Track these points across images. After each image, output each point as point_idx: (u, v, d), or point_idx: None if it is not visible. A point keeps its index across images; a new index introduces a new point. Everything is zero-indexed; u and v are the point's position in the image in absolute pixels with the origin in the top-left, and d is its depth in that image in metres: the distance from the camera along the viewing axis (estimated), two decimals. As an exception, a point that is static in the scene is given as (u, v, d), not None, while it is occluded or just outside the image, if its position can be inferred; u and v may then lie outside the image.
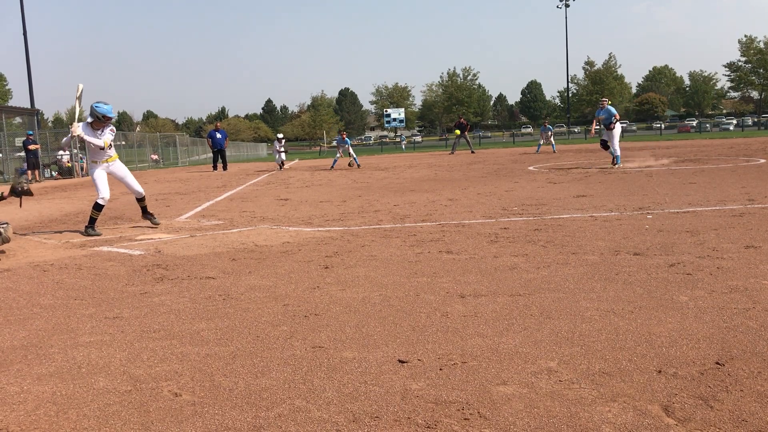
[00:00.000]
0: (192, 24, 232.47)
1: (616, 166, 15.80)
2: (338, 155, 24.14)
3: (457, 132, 33.12)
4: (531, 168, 17.86)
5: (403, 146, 54.98)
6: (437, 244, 6.38)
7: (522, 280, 4.69)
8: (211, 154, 29.11)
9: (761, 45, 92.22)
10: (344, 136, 24.34)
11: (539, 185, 12.31)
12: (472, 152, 32.21)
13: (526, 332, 3.51)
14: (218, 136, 27.63)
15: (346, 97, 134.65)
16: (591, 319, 3.68)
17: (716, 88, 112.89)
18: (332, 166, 23.64)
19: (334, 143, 25.67)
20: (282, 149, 26.11)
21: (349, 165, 23.62)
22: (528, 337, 3.42)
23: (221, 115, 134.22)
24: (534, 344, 3.31)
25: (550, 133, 30.90)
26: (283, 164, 25.97)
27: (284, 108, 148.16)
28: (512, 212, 8.49)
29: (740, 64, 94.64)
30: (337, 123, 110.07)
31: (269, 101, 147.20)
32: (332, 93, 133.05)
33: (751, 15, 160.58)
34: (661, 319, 3.60)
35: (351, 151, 23.99)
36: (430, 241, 6.57)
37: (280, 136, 27.16)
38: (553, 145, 30.66)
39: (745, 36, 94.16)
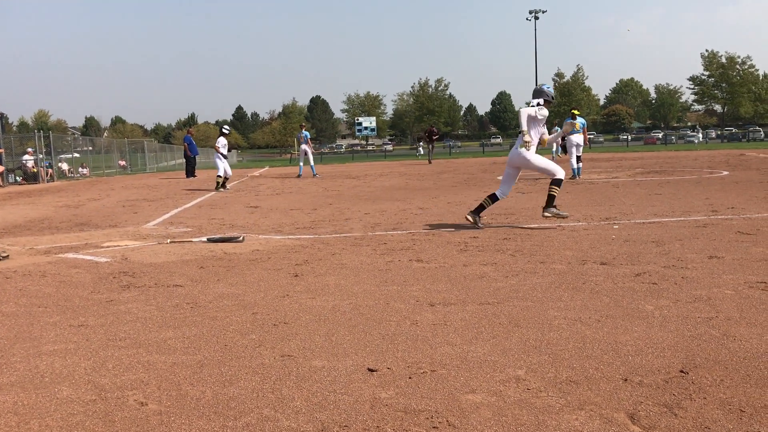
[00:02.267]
0: (162, 28, 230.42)
1: (576, 178, 15.94)
2: (301, 161, 22.87)
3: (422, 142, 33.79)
4: (500, 177, 18.02)
5: (419, 153, 52.77)
6: (407, 252, 6.39)
7: (491, 289, 4.72)
8: (183, 161, 28.74)
9: (723, 60, 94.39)
10: (303, 127, 23.42)
11: (509, 195, 12.41)
12: (429, 162, 32.41)
13: (495, 341, 3.53)
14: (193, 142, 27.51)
15: (318, 104, 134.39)
16: (559, 327, 3.72)
17: (681, 101, 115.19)
18: (300, 174, 23.20)
19: (301, 144, 22.70)
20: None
21: (299, 176, 22.61)
22: (496, 346, 3.44)
23: (191, 121, 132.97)
24: (502, 353, 3.34)
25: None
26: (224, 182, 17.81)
27: (255, 115, 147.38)
28: (482, 221, 8.54)
29: (703, 77, 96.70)
30: (308, 131, 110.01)
31: (240, 108, 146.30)
32: (304, 100, 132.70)
33: (713, 30, 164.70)
34: (627, 328, 3.66)
35: (310, 156, 22.61)
36: (400, 249, 6.58)
37: (225, 130, 18.94)
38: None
39: (707, 50, 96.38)
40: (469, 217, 7.83)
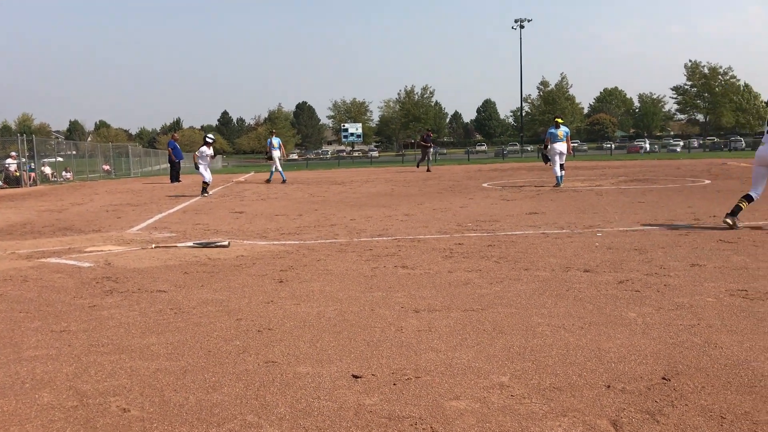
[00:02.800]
0: (147, 33, 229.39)
1: (559, 186, 15.94)
2: (273, 165, 22.79)
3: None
4: (485, 185, 18.09)
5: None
6: (393, 258, 6.40)
7: (476, 296, 4.74)
8: (167, 165, 28.60)
9: (705, 70, 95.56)
10: (274, 133, 23.47)
11: (493, 202, 12.48)
12: (428, 170, 29.78)
13: (479, 347, 3.54)
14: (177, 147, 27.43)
15: (304, 110, 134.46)
16: (542, 334, 3.74)
17: (664, 110, 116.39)
18: (270, 179, 23.03)
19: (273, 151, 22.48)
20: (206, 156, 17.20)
21: (267, 181, 22.64)
22: (481, 352, 3.46)
23: (176, 126, 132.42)
24: (487, 359, 3.35)
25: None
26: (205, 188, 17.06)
27: (240, 120, 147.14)
28: (467, 228, 8.57)
29: (686, 87, 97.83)
30: (293, 136, 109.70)
31: (225, 113, 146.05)
32: (289, 106, 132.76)
33: (696, 41, 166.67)
34: (610, 335, 3.68)
35: (278, 162, 22.45)
36: (385, 255, 6.59)
37: (209, 140, 17.64)
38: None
39: (691, 61, 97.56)
40: (728, 220, 7.89)
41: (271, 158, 22.76)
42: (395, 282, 5.31)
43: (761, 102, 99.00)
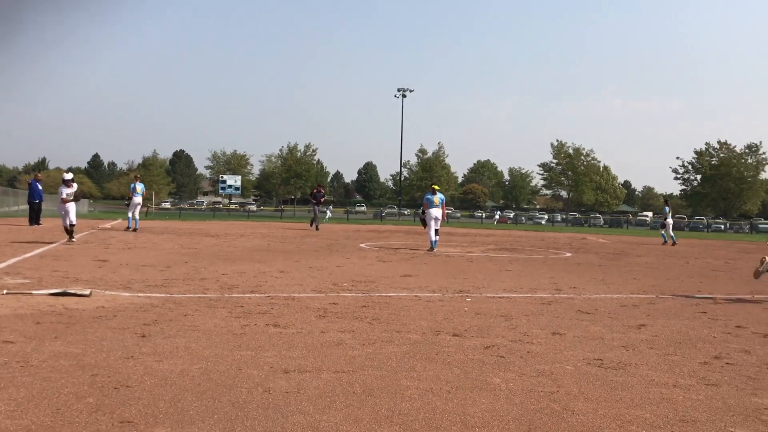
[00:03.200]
0: (8, 62, 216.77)
1: (433, 250, 16.36)
2: (130, 212, 21.85)
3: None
4: (363, 245, 18.26)
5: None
6: (264, 316, 6.26)
7: (347, 357, 4.71)
8: (26, 206, 26.73)
9: (570, 150, 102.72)
10: (138, 178, 22.96)
11: (369, 262, 12.59)
12: (316, 228, 27.46)
13: (348, 410, 3.50)
14: (39, 187, 25.68)
15: (181, 159, 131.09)
16: (411, 398, 3.76)
17: (531, 184, 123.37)
18: (130, 226, 21.96)
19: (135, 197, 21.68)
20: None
21: (131, 229, 21.61)
22: (349, 415, 3.41)
23: (41, 165, 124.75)
24: (354, 422, 3.31)
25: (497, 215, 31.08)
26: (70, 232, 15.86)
27: (112, 164, 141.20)
28: (342, 288, 8.57)
29: (552, 165, 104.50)
30: (168, 185, 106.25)
31: (96, 156, 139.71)
32: (166, 153, 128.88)
33: (563, 123, 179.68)
34: (475, 400, 3.76)
35: (137, 209, 21.68)
36: (257, 313, 6.44)
37: (67, 177, 16.47)
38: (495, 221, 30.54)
39: (557, 141, 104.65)
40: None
41: (128, 204, 22.08)
42: (265, 341, 5.18)
43: (618, 183, 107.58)
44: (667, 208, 25.33)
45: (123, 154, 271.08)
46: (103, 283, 8.33)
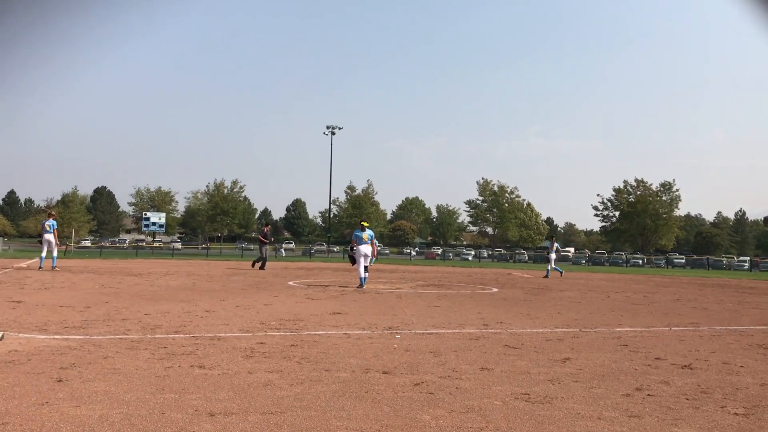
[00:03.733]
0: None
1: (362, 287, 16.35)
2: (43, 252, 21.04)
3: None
4: (291, 283, 18.05)
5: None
6: (189, 357, 6.08)
7: (275, 398, 4.61)
8: None
9: (495, 188, 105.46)
10: (53, 215, 22.31)
11: (298, 300, 12.45)
12: (262, 267, 25.53)
13: (276, 453, 3.42)
14: None
15: (103, 195, 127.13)
16: (341, 438, 3.70)
17: (458, 221, 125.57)
18: (41, 266, 20.94)
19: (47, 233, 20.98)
20: None
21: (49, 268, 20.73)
22: (277, 458, 3.33)
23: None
24: (283, 466, 3.23)
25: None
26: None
27: (29, 201, 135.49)
28: (270, 327, 8.43)
29: (478, 202, 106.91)
30: (89, 222, 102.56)
31: (12, 192, 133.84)
32: (87, 190, 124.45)
33: (488, 161, 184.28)
34: (405, 438, 3.74)
35: (52, 243, 20.89)
36: (181, 354, 6.24)
37: None
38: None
39: (482, 179, 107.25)
40: None
41: (41, 242, 21.27)
42: (190, 383, 5.02)
43: (541, 220, 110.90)
44: (549, 243, 28.67)
45: (41, 191, 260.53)
46: (16, 325, 7.91)
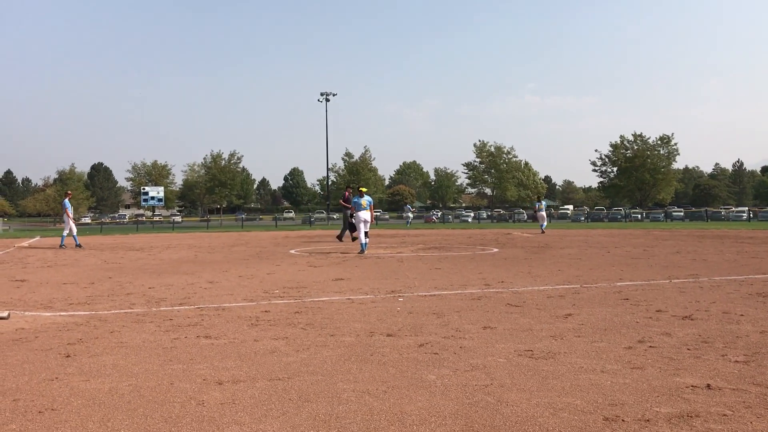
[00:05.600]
0: None
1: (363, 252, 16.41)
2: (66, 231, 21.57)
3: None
4: (292, 251, 18.12)
5: (408, 222, 50.56)
6: (195, 328, 6.13)
7: (282, 364, 4.67)
8: None
9: (492, 149, 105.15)
10: (68, 194, 22.68)
11: (300, 268, 12.51)
12: (352, 240, 20.91)
13: (285, 417, 3.47)
14: None
15: (100, 172, 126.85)
16: (347, 400, 3.76)
17: (457, 183, 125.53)
18: (78, 244, 21.60)
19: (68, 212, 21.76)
20: None
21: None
22: (286, 422, 3.39)
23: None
24: (292, 429, 3.29)
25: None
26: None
27: (27, 180, 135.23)
28: (273, 295, 8.49)
29: (476, 164, 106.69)
30: (87, 199, 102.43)
31: (9, 172, 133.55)
32: (84, 167, 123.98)
33: (484, 122, 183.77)
34: (411, 398, 3.79)
35: (70, 225, 21.49)
36: (187, 325, 6.30)
37: None
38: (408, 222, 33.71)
39: (479, 140, 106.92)
40: None
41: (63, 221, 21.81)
42: (197, 353, 5.08)
43: (539, 179, 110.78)
44: (537, 203, 30.87)
45: (38, 170, 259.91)
46: (22, 303, 7.97)
